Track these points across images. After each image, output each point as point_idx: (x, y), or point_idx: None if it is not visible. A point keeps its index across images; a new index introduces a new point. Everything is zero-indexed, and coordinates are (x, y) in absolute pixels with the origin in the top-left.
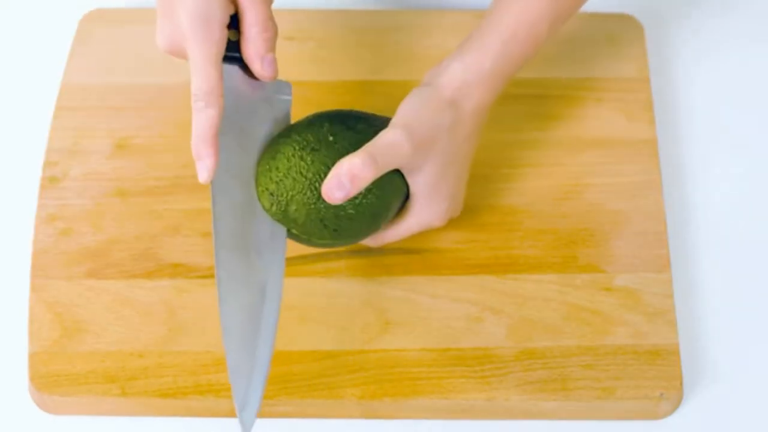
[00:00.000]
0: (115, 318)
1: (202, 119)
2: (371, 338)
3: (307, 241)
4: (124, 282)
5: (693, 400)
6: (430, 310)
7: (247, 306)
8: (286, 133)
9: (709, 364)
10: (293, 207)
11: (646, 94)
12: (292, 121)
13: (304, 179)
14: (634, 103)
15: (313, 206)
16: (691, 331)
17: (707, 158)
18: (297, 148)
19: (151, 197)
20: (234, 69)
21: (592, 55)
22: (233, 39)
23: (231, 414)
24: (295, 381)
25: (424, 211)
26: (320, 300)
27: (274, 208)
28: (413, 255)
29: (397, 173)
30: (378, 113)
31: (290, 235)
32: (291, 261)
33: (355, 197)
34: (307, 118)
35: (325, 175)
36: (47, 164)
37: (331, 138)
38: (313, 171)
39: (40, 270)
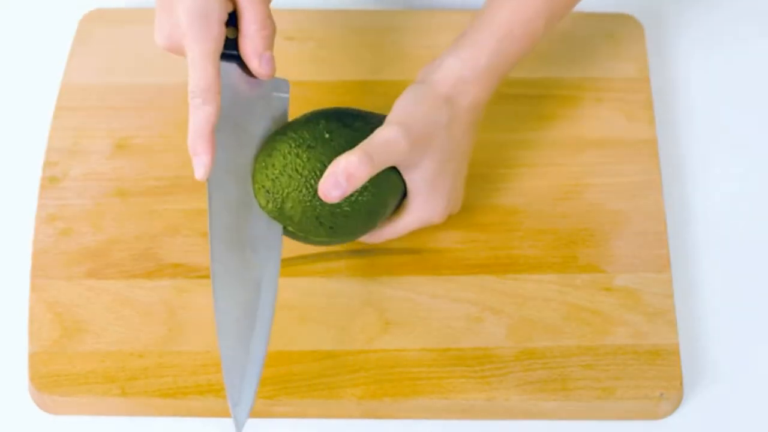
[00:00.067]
0: (115, 318)
1: (199, 116)
2: (371, 338)
3: (304, 239)
4: (124, 282)
5: (693, 400)
6: (430, 310)
7: (242, 302)
8: (283, 131)
9: (709, 364)
10: (289, 204)
11: (646, 94)
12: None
13: (299, 177)
14: (634, 103)
15: (308, 204)
16: (691, 331)
17: (707, 158)
18: (293, 145)
19: (151, 197)
20: (232, 67)
21: (591, 55)
22: (231, 37)
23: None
24: (295, 381)
25: (423, 207)
26: (320, 300)
27: (270, 205)
28: (413, 255)
29: (393, 170)
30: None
31: (287, 232)
32: (291, 261)
33: (351, 194)
34: (304, 115)
35: (321, 172)
36: (47, 164)
37: (327, 135)
38: (308, 168)
39: (40, 270)
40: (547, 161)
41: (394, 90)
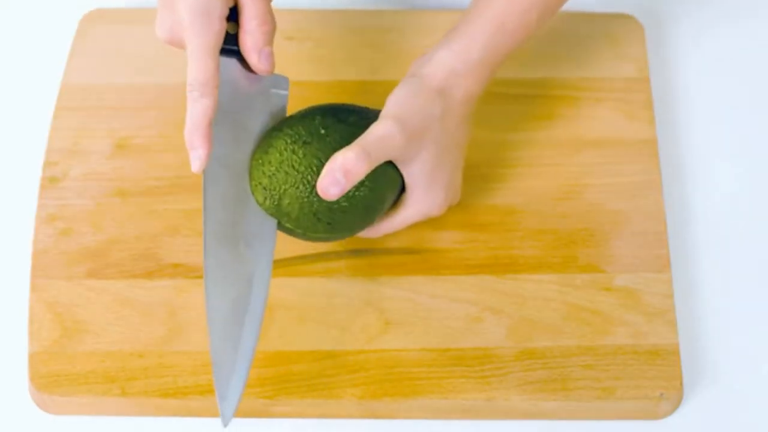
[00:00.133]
0: (115, 318)
1: (197, 109)
2: (371, 338)
3: (302, 235)
4: (124, 282)
5: (693, 400)
6: (430, 310)
7: (234, 296)
8: (279, 127)
9: (709, 364)
10: (286, 201)
11: (646, 94)
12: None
13: (296, 173)
14: (634, 103)
15: (306, 200)
16: (691, 331)
17: (707, 158)
18: (289, 141)
19: (151, 197)
20: (231, 62)
21: (592, 54)
22: (232, 32)
23: None
24: (295, 381)
25: (422, 200)
26: (320, 300)
27: (267, 202)
28: (413, 255)
29: (390, 165)
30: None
31: (285, 229)
32: (290, 261)
33: (348, 190)
34: (300, 111)
35: (317, 168)
36: (47, 164)
37: (323, 131)
38: (305, 164)
39: (40, 270)
40: (547, 161)
41: (392, 90)
